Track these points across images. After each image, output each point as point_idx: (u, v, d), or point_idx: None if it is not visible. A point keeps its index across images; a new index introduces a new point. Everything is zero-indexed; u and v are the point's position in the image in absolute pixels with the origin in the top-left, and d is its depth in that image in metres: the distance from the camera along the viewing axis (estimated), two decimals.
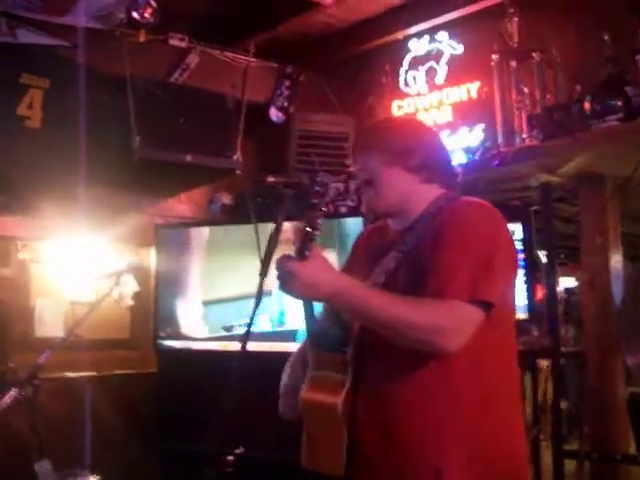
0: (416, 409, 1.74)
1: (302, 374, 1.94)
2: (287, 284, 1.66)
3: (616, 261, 3.55)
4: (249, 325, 1.90)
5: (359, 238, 2.17)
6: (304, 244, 1.66)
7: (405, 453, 1.74)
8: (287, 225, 1.81)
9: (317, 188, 1.71)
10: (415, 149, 1.90)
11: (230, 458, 1.80)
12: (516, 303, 1.94)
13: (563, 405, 4.03)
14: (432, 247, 1.75)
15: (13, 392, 3.00)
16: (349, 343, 1.82)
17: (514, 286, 1.89)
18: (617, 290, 3.50)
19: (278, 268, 1.67)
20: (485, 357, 1.76)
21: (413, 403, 1.74)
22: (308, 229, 1.67)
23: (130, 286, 4.53)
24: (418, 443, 1.73)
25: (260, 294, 1.81)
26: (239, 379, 1.87)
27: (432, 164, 1.91)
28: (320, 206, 1.70)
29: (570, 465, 3.55)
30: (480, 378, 1.76)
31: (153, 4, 3.62)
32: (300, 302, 1.84)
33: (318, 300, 1.78)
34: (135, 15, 3.56)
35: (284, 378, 2.07)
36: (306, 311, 1.89)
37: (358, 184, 1.91)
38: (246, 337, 1.89)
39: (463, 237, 1.74)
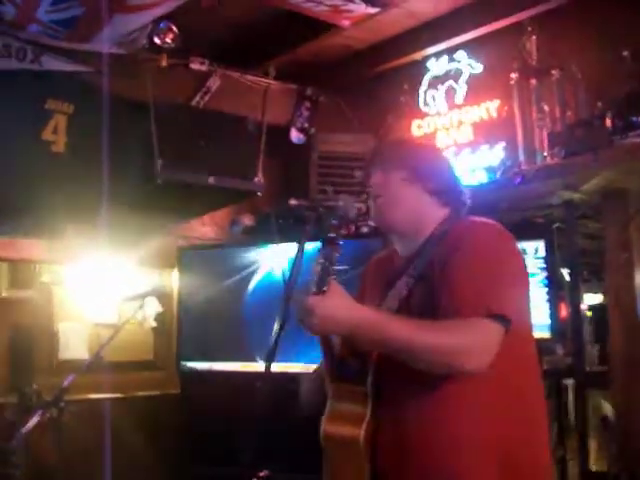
0: (439, 432, 1.72)
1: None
2: (306, 320, 1.66)
3: None
4: (274, 347, 1.91)
5: (367, 268, 2.16)
6: (322, 279, 1.66)
7: (428, 476, 1.72)
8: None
9: (334, 221, 1.71)
10: (437, 173, 1.94)
11: None
12: (532, 319, 1.91)
13: None
14: (442, 269, 1.75)
15: (39, 414, 3.02)
16: (368, 373, 1.81)
17: (528, 301, 1.88)
18: None
19: (297, 303, 1.68)
20: (507, 375, 1.73)
21: (436, 426, 1.73)
22: (326, 263, 1.67)
23: (153, 308, 4.55)
24: (442, 466, 1.71)
25: (285, 315, 1.82)
26: (263, 400, 1.88)
27: (449, 189, 1.94)
28: (337, 240, 1.70)
29: None
30: (502, 396, 1.73)
31: (174, 29, 3.67)
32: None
33: (337, 334, 1.78)
34: (157, 40, 3.61)
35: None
36: (323, 346, 1.88)
37: (371, 196, 1.92)
38: (271, 358, 1.89)
39: (471, 256, 1.74)
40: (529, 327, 1.89)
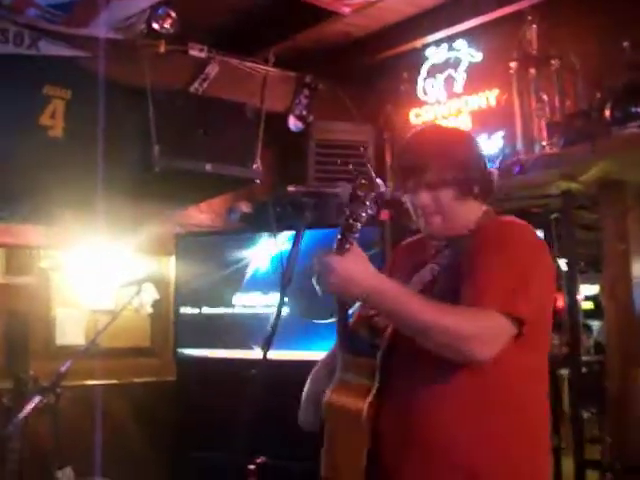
0: (443, 421, 1.72)
1: (326, 383, 1.89)
2: (324, 278, 1.63)
3: (638, 269, 3.52)
4: (271, 333, 1.91)
5: (398, 249, 2.15)
6: (345, 237, 1.63)
7: (429, 464, 1.72)
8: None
9: (363, 181, 1.67)
10: (479, 176, 1.86)
11: (252, 467, 1.80)
12: (551, 330, 1.86)
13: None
14: (470, 261, 1.73)
15: (35, 400, 3.03)
16: (379, 348, 1.79)
17: (550, 316, 1.83)
18: (638, 298, 3.47)
19: (316, 261, 1.65)
20: (517, 377, 1.74)
21: (440, 415, 1.72)
22: (350, 221, 1.64)
23: (150, 294, 4.55)
24: (444, 456, 1.71)
25: (282, 302, 1.82)
26: (260, 387, 1.88)
27: (487, 187, 1.88)
28: (366, 199, 1.66)
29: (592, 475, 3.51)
30: (509, 396, 1.73)
31: (173, 15, 3.65)
32: (335, 299, 1.80)
33: (354, 297, 1.72)
34: (155, 26, 3.59)
35: (306, 387, 2.05)
36: (339, 312, 1.84)
37: (417, 214, 1.86)
38: (268, 345, 1.89)
39: (502, 253, 1.72)
40: (545, 342, 1.84)
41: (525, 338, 1.69)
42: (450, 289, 1.72)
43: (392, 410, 1.76)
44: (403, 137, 2.06)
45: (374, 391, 1.75)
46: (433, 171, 1.80)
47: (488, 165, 1.95)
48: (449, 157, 1.82)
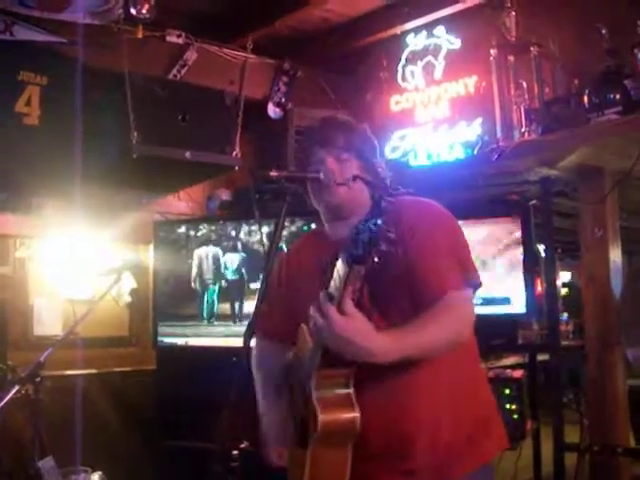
0: (429, 394, 1.82)
1: (281, 401, 1.97)
2: (321, 330, 1.65)
3: (615, 255, 3.55)
4: (252, 321, 1.90)
5: (288, 256, 2.17)
6: (339, 288, 1.60)
7: (407, 432, 1.80)
8: None
9: (383, 246, 1.54)
10: (378, 161, 1.99)
11: (235, 453, 1.80)
12: None
13: None
14: (408, 248, 1.78)
15: (14, 390, 3.00)
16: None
17: None
18: (616, 284, 3.51)
19: (317, 308, 1.66)
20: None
21: (426, 389, 1.82)
22: (350, 275, 1.57)
23: (128, 283, 4.53)
24: (421, 422, 1.81)
25: (264, 289, 1.81)
26: (241, 374, 1.87)
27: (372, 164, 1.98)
28: (370, 260, 1.55)
29: (570, 457, 3.56)
30: (473, 355, 1.96)
31: (150, 0, 3.60)
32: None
33: (353, 357, 1.69)
34: (133, 11, 3.54)
35: (267, 419, 2.03)
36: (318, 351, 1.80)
37: (324, 179, 1.89)
38: (249, 333, 1.89)
39: (438, 233, 1.86)
40: None
41: None
42: (388, 276, 1.74)
43: (373, 406, 1.79)
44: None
45: (353, 396, 1.75)
46: (341, 141, 1.92)
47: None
48: (355, 132, 1.97)
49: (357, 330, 1.63)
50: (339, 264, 1.59)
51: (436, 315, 1.76)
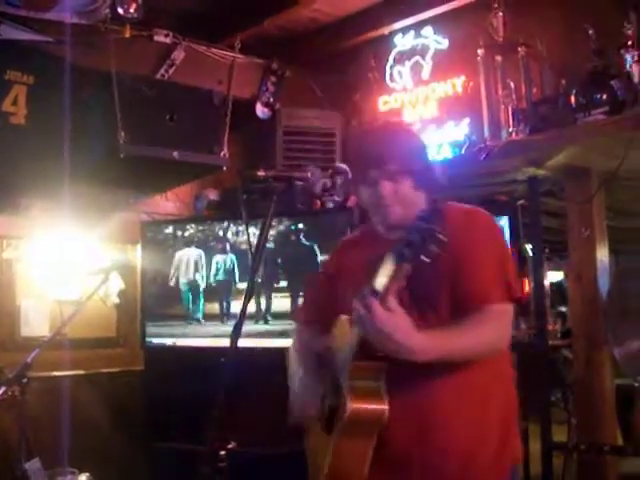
0: (456, 407, 1.83)
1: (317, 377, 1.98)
2: (364, 323, 1.68)
3: (602, 254, 3.57)
4: (239, 321, 1.90)
5: (342, 246, 2.19)
6: (385, 282, 1.64)
7: (443, 448, 1.81)
8: None
9: (432, 247, 1.57)
10: (430, 171, 1.99)
11: (222, 453, 1.80)
12: None
13: None
14: (460, 256, 1.82)
15: (1, 391, 2.98)
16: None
17: None
18: (603, 283, 3.53)
19: (360, 302, 1.67)
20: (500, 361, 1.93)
21: (452, 402, 1.82)
22: (397, 271, 1.61)
23: (116, 284, 4.50)
24: (456, 439, 1.82)
25: (251, 289, 1.81)
26: (229, 375, 1.87)
27: (431, 172, 2.00)
28: (418, 259, 1.58)
29: (558, 455, 3.57)
30: (502, 374, 1.95)
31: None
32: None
33: (391, 352, 1.72)
34: (120, 10, 3.53)
35: (299, 378, 2.05)
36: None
37: (380, 204, 1.90)
38: (237, 333, 1.88)
39: (486, 245, 1.88)
40: None
41: None
42: (432, 279, 1.79)
43: (402, 398, 1.81)
44: (360, 132, 2.10)
45: (384, 389, 1.80)
46: (394, 162, 1.89)
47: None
48: (407, 149, 1.94)
49: (397, 326, 1.65)
50: (388, 261, 1.63)
51: (475, 323, 1.79)
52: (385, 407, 1.77)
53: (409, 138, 2.02)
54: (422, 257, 1.55)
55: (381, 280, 1.65)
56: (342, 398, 1.79)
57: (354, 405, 1.76)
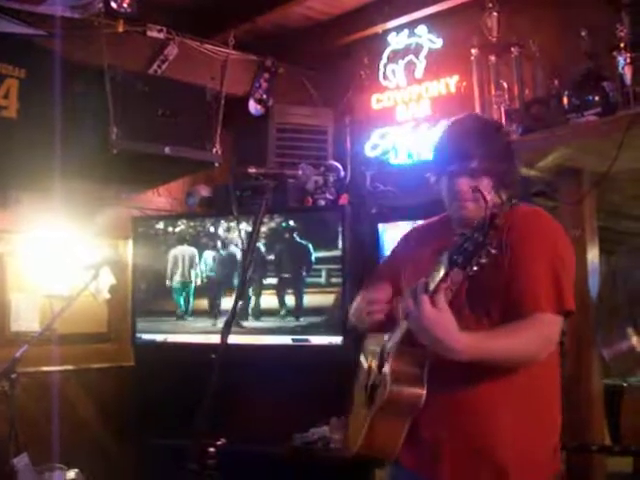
0: (490, 410, 1.86)
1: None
2: (413, 319, 1.72)
3: (593, 255, 3.58)
4: (230, 318, 1.90)
5: (415, 230, 2.25)
6: (437, 280, 1.68)
7: (477, 449, 1.85)
8: None
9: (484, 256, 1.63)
10: (509, 162, 1.99)
11: (212, 450, 1.80)
12: None
13: None
14: (515, 255, 1.84)
15: None
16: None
17: None
18: (593, 283, 3.54)
19: (410, 295, 1.72)
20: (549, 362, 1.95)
21: (490, 402, 1.86)
22: (451, 269, 1.64)
23: (107, 279, 4.49)
24: (489, 444, 1.85)
25: (242, 286, 1.81)
26: (219, 371, 1.87)
27: (514, 174, 2.02)
28: (473, 261, 1.62)
29: None
30: (555, 385, 2.00)
31: None
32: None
33: (436, 349, 1.77)
34: (113, 5, 3.52)
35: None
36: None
37: (457, 198, 1.93)
38: (227, 330, 1.88)
39: (544, 252, 1.88)
40: None
41: None
42: (491, 275, 1.79)
43: (439, 395, 1.85)
44: (451, 122, 2.07)
45: (425, 375, 1.85)
46: (477, 160, 1.89)
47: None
48: (492, 149, 1.93)
49: (440, 324, 1.69)
50: (442, 261, 1.67)
51: (520, 329, 1.81)
52: (423, 392, 1.83)
53: (497, 138, 2.00)
54: (471, 267, 1.61)
55: (434, 277, 1.70)
56: (384, 377, 1.87)
57: (393, 387, 1.83)
